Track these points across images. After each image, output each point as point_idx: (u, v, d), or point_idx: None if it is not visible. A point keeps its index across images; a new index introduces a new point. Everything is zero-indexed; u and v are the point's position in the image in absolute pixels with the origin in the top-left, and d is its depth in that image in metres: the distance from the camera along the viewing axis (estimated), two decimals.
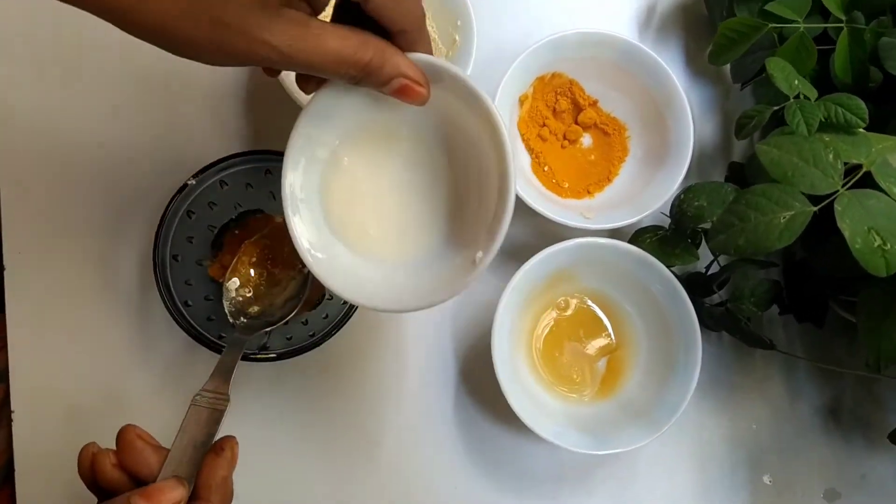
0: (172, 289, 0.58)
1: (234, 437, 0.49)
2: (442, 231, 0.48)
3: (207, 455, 0.47)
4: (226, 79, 0.68)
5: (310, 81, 0.44)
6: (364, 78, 0.40)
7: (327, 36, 0.38)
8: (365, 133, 0.47)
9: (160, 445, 0.48)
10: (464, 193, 0.48)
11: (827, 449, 0.67)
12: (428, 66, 0.42)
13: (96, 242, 0.65)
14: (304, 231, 0.45)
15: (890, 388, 0.67)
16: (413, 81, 0.41)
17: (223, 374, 0.50)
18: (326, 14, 0.40)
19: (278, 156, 0.47)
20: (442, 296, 0.45)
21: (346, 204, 0.48)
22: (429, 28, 0.65)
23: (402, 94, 0.42)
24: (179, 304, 0.58)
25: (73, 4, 0.36)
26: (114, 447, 0.47)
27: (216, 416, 0.48)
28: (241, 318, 0.58)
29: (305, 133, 0.45)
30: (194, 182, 0.58)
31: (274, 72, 0.46)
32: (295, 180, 0.45)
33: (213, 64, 0.38)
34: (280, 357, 0.57)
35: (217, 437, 0.48)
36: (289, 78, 0.59)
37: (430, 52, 0.42)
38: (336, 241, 0.47)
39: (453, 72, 0.42)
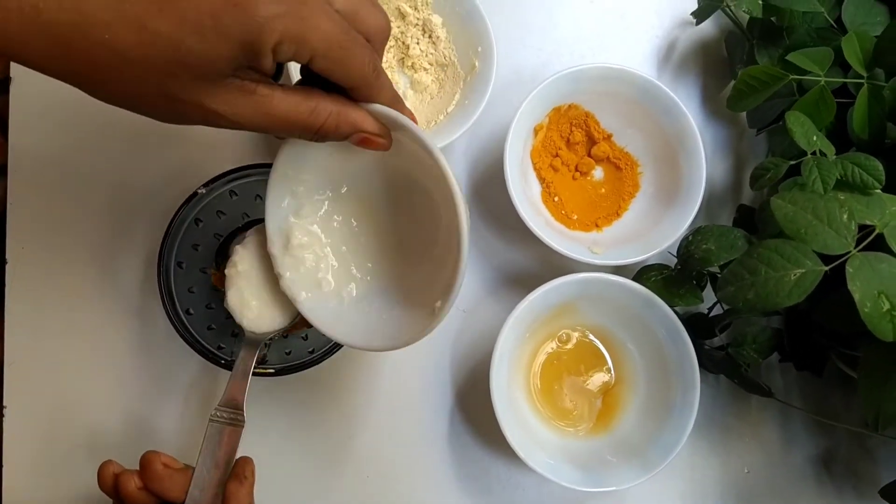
0: (175, 296, 0.58)
1: (251, 459, 0.51)
2: (399, 277, 0.51)
3: (231, 483, 0.49)
4: None
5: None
6: (321, 138, 0.42)
7: (276, 102, 0.39)
8: (337, 178, 0.50)
9: (184, 466, 0.49)
10: (424, 241, 0.50)
11: (818, 499, 0.67)
12: (385, 118, 0.43)
13: (101, 243, 0.65)
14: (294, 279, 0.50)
15: (883, 444, 0.67)
16: (371, 134, 0.43)
17: (238, 389, 0.52)
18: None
19: None
20: (402, 341, 0.47)
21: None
22: (448, 52, 0.65)
23: (364, 144, 0.43)
24: (181, 312, 0.58)
25: (44, 73, 0.37)
26: (114, 455, 0.50)
27: (236, 434, 0.50)
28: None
29: (283, 173, 0.48)
30: (204, 191, 0.58)
31: None
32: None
33: (177, 124, 0.39)
34: (279, 373, 0.57)
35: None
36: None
37: (391, 97, 0.44)
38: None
39: (407, 125, 0.43)
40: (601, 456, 0.62)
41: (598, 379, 0.65)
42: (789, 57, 0.59)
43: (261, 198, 0.61)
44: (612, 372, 0.65)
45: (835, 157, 0.53)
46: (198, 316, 0.60)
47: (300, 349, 0.60)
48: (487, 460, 0.65)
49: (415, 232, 0.51)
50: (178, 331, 0.56)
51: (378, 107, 0.43)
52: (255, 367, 0.56)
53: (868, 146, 0.58)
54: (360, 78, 0.41)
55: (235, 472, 0.50)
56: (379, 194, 0.51)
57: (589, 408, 0.64)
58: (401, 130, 0.44)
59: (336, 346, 0.57)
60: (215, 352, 0.57)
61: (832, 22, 0.63)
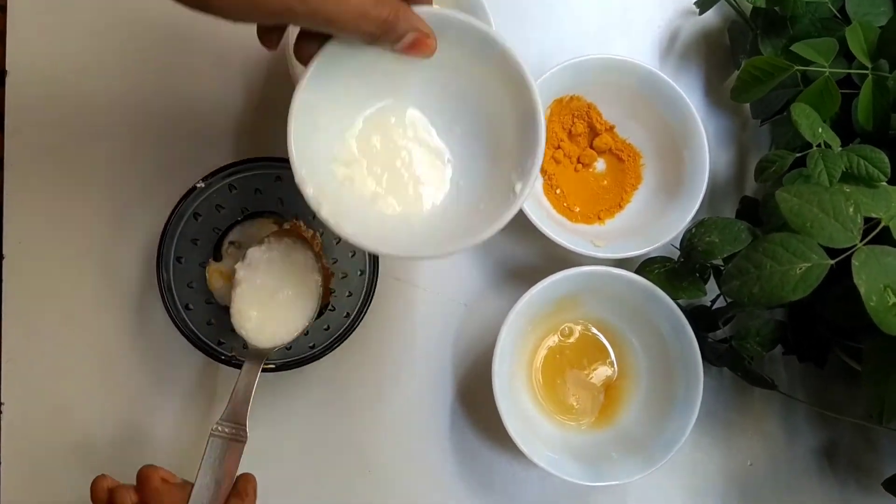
0: (174, 291, 0.58)
1: (253, 477, 0.50)
2: (469, 176, 0.50)
3: (231, 500, 0.48)
4: (240, 82, 0.67)
5: (305, 48, 0.44)
6: (381, 35, 0.41)
7: None
8: (372, 91, 0.48)
9: (182, 482, 0.49)
10: (482, 139, 0.50)
11: (821, 491, 0.67)
12: (435, 19, 0.43)
13: (99, 237, 0.64)
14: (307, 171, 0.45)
15: (886, 435, 0.67)
16: (423, 35, 0.43)
17: (240, 404, 0.51)
18: None
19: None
20: (481, 234, 0.45)
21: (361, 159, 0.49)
22: None
23: (414, 48, 0.43)
24: (180, 308, 0.58)
25: None
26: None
27: (238, 450, 0.50)
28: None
29: (307, 98, 0.44)
30: (203, 185, 0.57)
31: (274, 44, 0.45)
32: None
33: (238, 19, 0.38)
34: (279, 368, 0.56)
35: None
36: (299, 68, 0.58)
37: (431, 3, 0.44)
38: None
39: (461, 19, 0.43)
40: (603, 450, 0.61)
41: (601, 373, 0.65)
42: (794, 48, 0.58)
43: (260, 192, 0.61)
44: (615, 366, 0.65)
45: (840, 149, 0.52)
46: (197, 311, 0.59)
47: (301, 344, 0.60)
48: (489, 454, 0.65)
49: (476, 134, 0.50)
50: (177, 326, 0.56)
51: (428, 8, 0.43)
52: (268, 361, 0.55)
53: (872, 137, 0.58)
54: None
55: (237, 490, 0.49)
56: (423, 105, 0.50)
57: (592, 402, 0.64)
58: (447, 34, 0.44)
59: (337, 342, 0.57)
60: (215, 347, 0.57)
61: (836, 12, 0.62)
